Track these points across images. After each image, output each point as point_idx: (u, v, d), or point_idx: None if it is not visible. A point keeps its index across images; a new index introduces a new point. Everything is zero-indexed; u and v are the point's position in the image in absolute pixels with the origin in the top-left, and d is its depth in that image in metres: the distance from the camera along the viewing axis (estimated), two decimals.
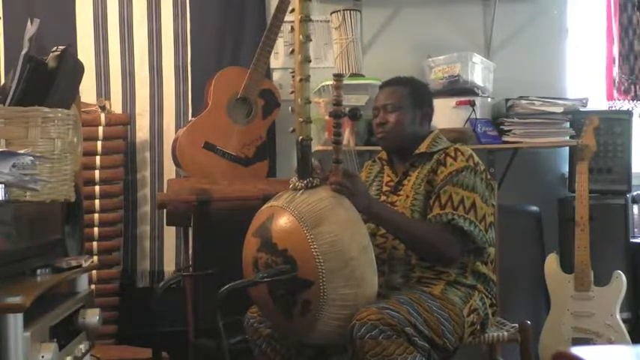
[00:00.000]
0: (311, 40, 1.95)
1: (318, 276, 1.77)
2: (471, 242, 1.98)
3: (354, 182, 1.91)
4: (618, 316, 2.81)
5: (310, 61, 1.96)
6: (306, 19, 1.94)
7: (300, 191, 1.92)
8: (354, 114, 1.99)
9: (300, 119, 1.96)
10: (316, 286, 1.77)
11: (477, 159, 2.06)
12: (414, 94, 2.16)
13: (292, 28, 1.97)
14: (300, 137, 1.96)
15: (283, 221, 1.86)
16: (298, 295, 1.81)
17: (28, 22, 1.92)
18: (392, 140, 2.15)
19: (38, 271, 1.77)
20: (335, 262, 1.77)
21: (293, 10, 1.97)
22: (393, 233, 2.00)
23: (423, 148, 2.12)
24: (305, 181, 1.93)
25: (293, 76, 1.98)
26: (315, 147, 2.81)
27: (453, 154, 2.04)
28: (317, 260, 1.77)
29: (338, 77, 1.95)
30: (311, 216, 1.82)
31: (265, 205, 1.99)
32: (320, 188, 1.92)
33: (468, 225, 1.94)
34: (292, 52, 1.99)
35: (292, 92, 2.00)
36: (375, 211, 1.95)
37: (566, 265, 2.93)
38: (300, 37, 1.94)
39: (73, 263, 1.86)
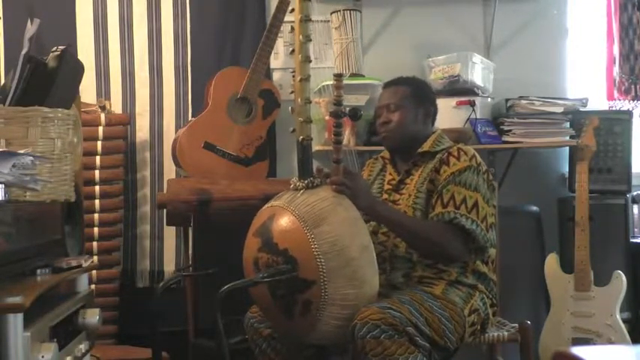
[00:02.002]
0: (311, 40, 1.96)
1: (319, 276, 1.77)
2: (472, 241, 1.98)
3: (355, 181, 1.91)
4: (618, 316, 2.81)
5: (311, 61, 1.96)
6: (306, 19, 1.95)
7: (301, 191, 1.92)
8: (355, 114, 1.99)
9: (301, 119, 1.96)
10: (317, 285, 1.78)
11: (479, 159, 2.06)
12: (415, 93, 2.17)
13: (292, 28, 1.97)
14: (301, 137, 1.96)
15: (284, 221, 1.86)
16: (299, 295, 1.81)
17: (28, 22, 1.91)
18: (395, 139, 2.15)
19: (38, 271, 1.77)
20: (336, 262, 1.77)
21: (293, 10, 1.98)
22: (395, 232, 2.00)
23: (426, 147, 2.12)
24: (306, 181, 1.93)
25: (294, 76, 1.98)
26: (315, 147, 2.81)
27: (456, 153, 2.05)
28: (318, 260, 1.77)
29: (338, 77, 1.95)
30: (312, 216, 1.82)
31: (266, 205, 2.00)
32: (321, 188, 1.92)
33: (470, 224, 1.94)
34: (292, 51, 1.99)
35: (292, 92, 2.00)
36: (378, 210, 1.95)
37: (566, 265, 2.93)
38: (300, 37, 1.94)
39: (73, 263, 1.86)
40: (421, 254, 2.00)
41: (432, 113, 2.20)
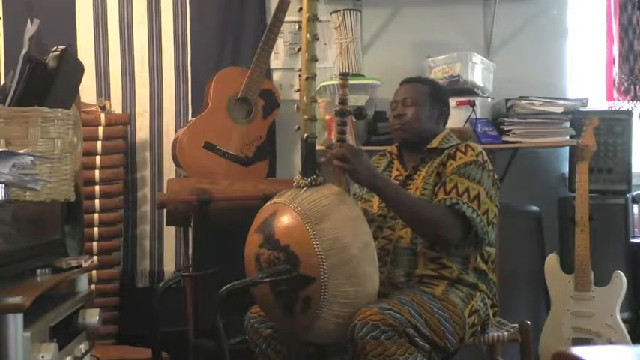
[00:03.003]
0: (318, 39, 1.97)
1: (319, 272, 1.77)
2: (472, 230, 1.98)
3: (357, 156, 1.91)
4: (618, 316, 2.81)
5: (317, 60, 1.97)
6: (313, 18, 1.95)
7: (304, 189, 1.93)
8: (360, 112, 1.99)
9: (305, 117, 1.96)
10: (318, 282, 1.78)
11: (486, 157, 2.09)
12: (433, 93, 2.20)
13: (300, 27, 1.98)
14: (305, 135, 1.96)
15: (286, 218, 1.86)
16: (299, 292, 1.81)
17: (28, 22, 1.91)
18: (407, 133, 2.17)
19: (38, 271, 1.78)
20: (337, 259, 1.78)
21: (300, 10, 1.99)
22: (394, 209, 2.00)
23: (434, 144, 2.14)
24: (309, 179, 1.94)
25: (300, 75, 1.99)
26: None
27: (463, 149, 2.08)
28: (319, 256, 1.77)
29: (344, 76, 1.96)
30: (314, 213, 1.83)
31: (268, 203, 2.00)
32: (323, 186, 1.93)
33: (471, 212, 1.94)
34: (299, 50, 2.00)
35: (297, 90, 2.01)
36: (377, 185, 1.95)
37: (566, 265, 2.93)
38: (307, 36, 1.95)
39: (73, 263, 1.86)
40: (418, 234, 2.00)
41: (445, 115, 2.24)
